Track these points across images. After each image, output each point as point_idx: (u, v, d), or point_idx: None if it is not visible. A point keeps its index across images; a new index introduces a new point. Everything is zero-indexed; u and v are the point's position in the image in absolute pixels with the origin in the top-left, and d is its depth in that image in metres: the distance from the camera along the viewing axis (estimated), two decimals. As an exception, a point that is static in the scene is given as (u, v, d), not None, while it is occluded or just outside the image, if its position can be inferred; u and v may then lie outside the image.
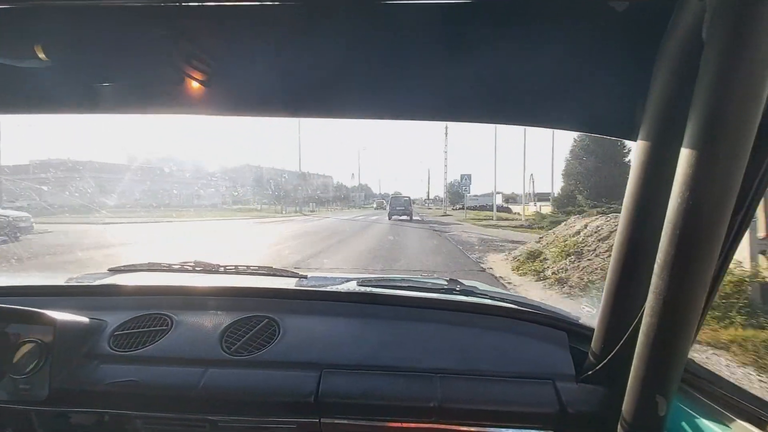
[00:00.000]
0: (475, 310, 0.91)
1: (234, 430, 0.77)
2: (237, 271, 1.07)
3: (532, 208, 22.63)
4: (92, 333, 0.87)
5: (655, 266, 0.49)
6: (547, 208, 18.95)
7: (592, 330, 0.75)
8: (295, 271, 1.10)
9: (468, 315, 0.91)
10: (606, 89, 0.68)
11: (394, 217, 18.75)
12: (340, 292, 0.98)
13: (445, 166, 29.01)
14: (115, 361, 0.83)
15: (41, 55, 0.74)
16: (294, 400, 0.76)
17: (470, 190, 17.18)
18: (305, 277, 1.08)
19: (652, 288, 0.51)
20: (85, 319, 0.87)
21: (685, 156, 0.45)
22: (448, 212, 28.78)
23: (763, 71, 0.40)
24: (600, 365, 0.72)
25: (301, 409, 0.76)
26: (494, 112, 0.83)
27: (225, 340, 0.85)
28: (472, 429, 0.75)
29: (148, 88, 0.81)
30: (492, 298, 0.98)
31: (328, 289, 0.99)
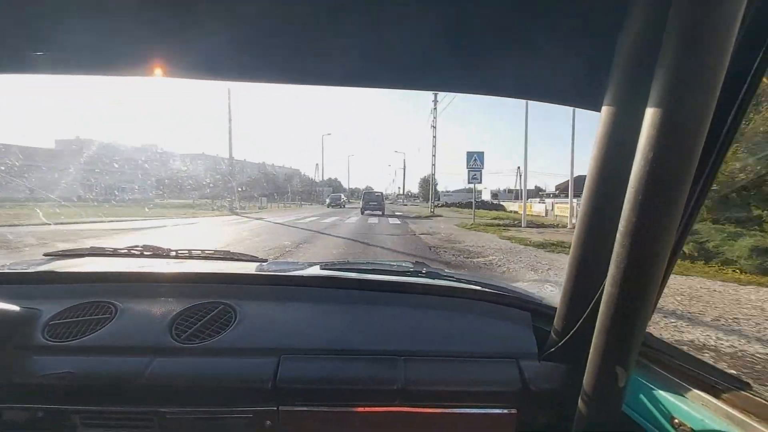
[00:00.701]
0: (441, 292, 0.89)
1: (184, 422, 0.72)
2: (190, 255, 1.00)
3: (536, 207, 20.56)
4: (24, 323, 0.79)
5: (617, 235, 0.49)
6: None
7: (554, 309, 0.75)
8: (254, 255, 1.04)
9: (434, 298, 0.89)
10: (569, 58, 0.67)
11: (366, 212, 19.22)
12: (302, 276, 0.94)
13: (434, 146, 20.93)
14: (49, 352, 0.75)
15: None
16: (250, 387, 0.72)
17: (481, 178, 12.75)
18: (265, 261, 1.02)
19: (613, 257, 0.50)
20: (16, 308, 0.78)
21: (647, 124, 0.44)
22: (435, 211, 20.74)
23: (728, 34, 0.40)
24: (561, 342, 0.72)
25: (258, 396, 0.72)
26: (461, 80, 0.82)
27: (175, 327, 0.80)
28: (436, 410, 0.74)
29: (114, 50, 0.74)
30: (458, 280, 0.96)
31: (290, 273, 0.95)
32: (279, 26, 0.66)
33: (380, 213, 18.80)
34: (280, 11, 0.63)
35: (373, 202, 19.61)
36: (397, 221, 13.59)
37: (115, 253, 0.98)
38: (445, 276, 0.99)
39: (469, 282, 0.95)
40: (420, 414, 0.73)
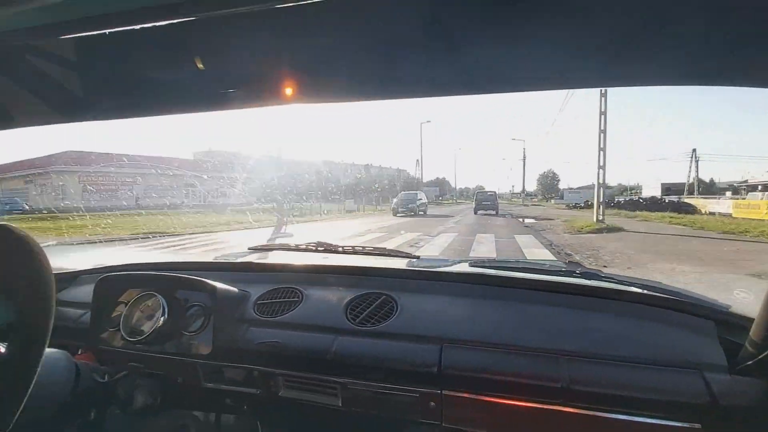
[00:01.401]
0: (603, 294, 0.86)
1: (361, 393, 0.84)
2: (354, 251, 1.17)
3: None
4: (241, 301, 1.02)
5: None
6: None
7: (746, 318, 0.66)
8: (408, 252, 1.15)
9: (593, 299, 0.86)
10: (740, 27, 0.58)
11: (480, 212, 18.81)
12: (454, 273, 1.01)
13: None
14: (260, 325, 0.96)
15: (200, 66, 0.90)
16: (416, 370, 0.80)
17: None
18: (418, 257, 1.13)
19: None
20: (235, 290, 1.03)
21: None
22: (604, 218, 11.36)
23: None
24: (761, 355, 0.63)
25: (424, 379, 0.79)
26: (602, 74, 0.77)
27: (349, 312, 0.93)
28: (602, 415, 0.71)
29: (255, 85, 0.93)
30: (621, 282, 0.91)
31: (442, 269, 1.03)
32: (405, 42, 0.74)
33: (494, 213, 18.24)
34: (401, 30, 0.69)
35: (486, 201, 19.23)
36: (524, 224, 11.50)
37: (297, 248, 1.20)
38: (606, 277, 0.94)
39: (635, 285, 0.89)
40: (585, 416, 0.72)
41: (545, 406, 0.73)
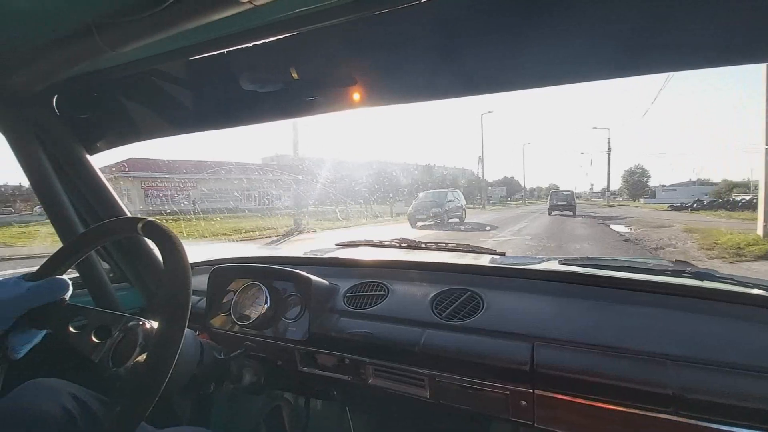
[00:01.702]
0: (723, 298, 0.77)
1: (450, 387, 0.84)
2: (437, 247, 1.18)
3: None
4: (332, 293, 1.09)
5: None
6: None
7: None
8: (492, 248, 1.14)
9: (707, 302, 0.77)
10: None
11: (555, 213, 17.50)
12: (544, 271, 0.97)
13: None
14: (350, 316, 1.01)
15: (294, 75, 0.99)
16: (508, 367, 0.79)
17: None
18: (503, 254, 1.11)
19: None
20: (326, 282, 1.10)
21: None
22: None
23: None
24: None
25: (516, 376, 0.78)
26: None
27: (435, 306, 0.95)
28: (719, 428, 0.63)
29: (328, 90, 1.01)
30: (742, 284, 0.80)
31: (530, 267, 0.99)
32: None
33: (570, 213, 16.91)
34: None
35: (561, 201, 18.10)
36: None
37: (381, 245, 1.25)
38: (723, 278, 0.84)
39: (759, 286, 0.78)
40: (698, 427, 0.65)
41: (651, 414, 0.68)
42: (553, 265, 1.00)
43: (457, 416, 0.89)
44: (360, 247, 1.31)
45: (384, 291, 1.05)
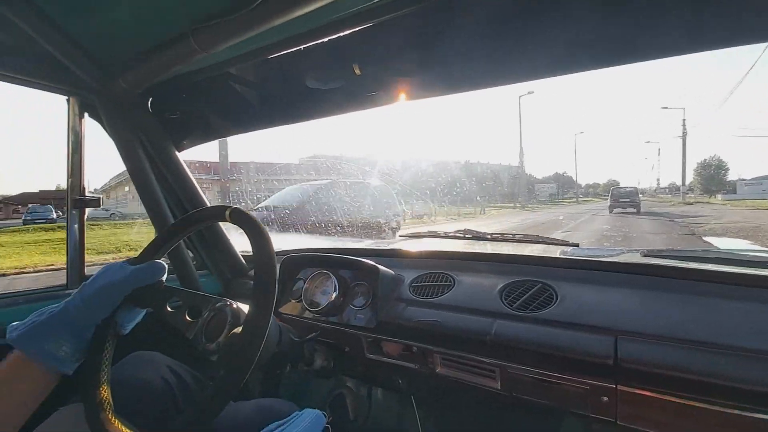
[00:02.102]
0: None
1: (522, 378, 0.82)
2: (504, 239, 1.15)
3: None
4: (398, 282, 1.10)
5: None
6: None
7: None
8: (565, 239, 1.09)
9: None
10: None
11: (616, 211, 16.36)
12: (625, 263, 0.91)
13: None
14: (417, 305, 1.01)
15: (357, 72, 1.02)
16: (588, 360, 0.75)
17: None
18: (576, 245, 1.05)
19: None
20: (392, 272, 1.12)
21: None
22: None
23: None
24: None
25: (597, 370, 0.74)
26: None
27: (504, 297, 0.93)
28: None
29: (387, 83, 1.02)
30: None
31: (609, 259, 0.94)
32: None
33: (634, 211, 15.67)
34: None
35: (624, 198, 16.85)
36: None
37: (446, 236, 1.25)
38: None
39: None
40: None
41: (752, 414, 0.62)
42: (635, 258, 0.94)
43: (529, 409, 0.87)
44: (424, 239, 1.31)
45: (450, 282, 1.04)
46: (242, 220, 0.73)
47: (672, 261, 0.87)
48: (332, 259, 1.17)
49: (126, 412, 0.68)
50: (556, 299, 0.88)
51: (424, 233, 1.31)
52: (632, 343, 0.73)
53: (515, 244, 1.12)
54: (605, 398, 0.74)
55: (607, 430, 0.78)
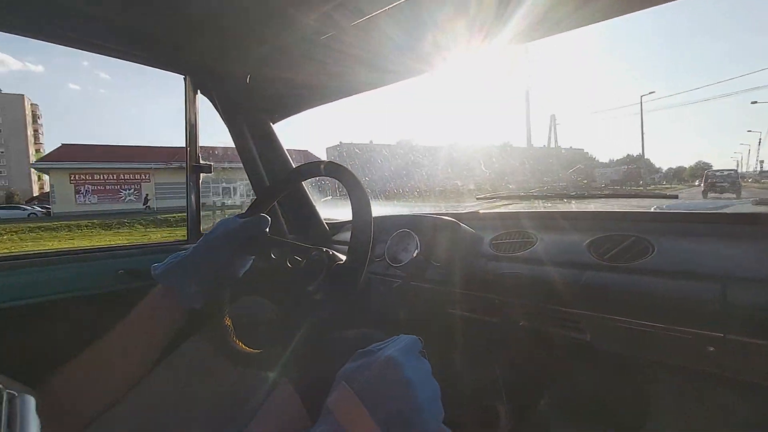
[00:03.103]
0: None
1: (613, 328, 0.80)
2: (591, 194, 1.11)
3: None
4: (477, 240, 1.13)
5: None
6: None
7: None
8: (660, 191, 1.03)
9: None
10: None
11: (711, 195, 14.56)
12: (732, 214, 0.84)
13: None
14: (498, 260, 1.02)
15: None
16: (693, 309, 0.71)
17: None
18: (675, 197, 0.99)
19: None
20: (472, 230, 1.14)
21: None
22: None
23: None
24: None
25: (702, 319, 0.70)
26: None
27: (593, 251, 0.90)
28: None
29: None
30: None
31: (712, 211, 0.87)
32: None
33: (734, 196, 13.82)
34: None
35: (722, 183, 14.87)
36: None
37: (526, 195, 1.24)
38: None
39: None
40: None
41: None
42: (747, 207, 0.86)
43: (619, 361, 0.85)
44: (502, 200, 1.31)
45: (532, 239, 1.03)
46: (337, 170, 0.81)
47: None
48: (414, 218, 1.22)
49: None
50: (653, 251, 0.84)
51: (503, 194, 1.31)
52: (743, 289, 0.69)
53: (604, 200, 1.08)
54: (711, 348, 0.70)
55: (708, 383, 0.74)
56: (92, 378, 0.70)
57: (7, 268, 0.98)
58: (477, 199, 1.37)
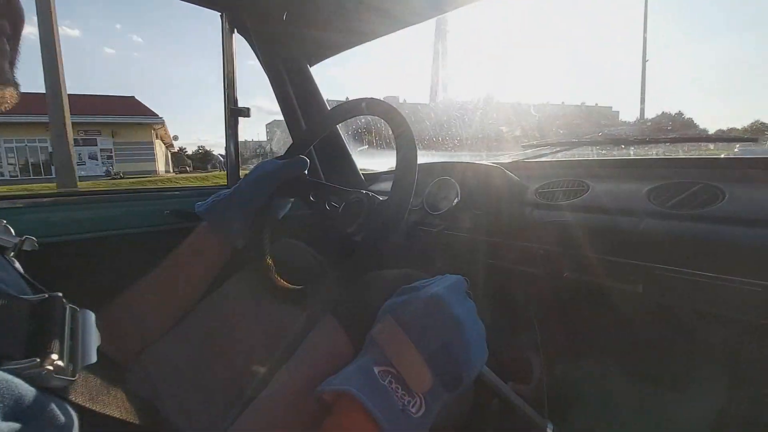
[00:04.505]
0: None
1: (672, 279, 0.75)
2: (653, 139, 1.02)
3: None
4: (522, 188, 1.07)
5: None
6: None
7: None
8: (733, 135, 0.93)
9: None
10: None
11: None
12: None
13: None
14: (544, 208, 0.97)
15: None
16: (758, 257, 0.65)
17: None
18: (755, 140, 0.89)
19: None
20: (515, 177, 1.08)
21: None
22: None
23: None
24: None
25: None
26: None
27: (654, 198, 0.84)
28: None
29: None
30: None
31: None
32: None
33: None
34: None
35: None
36: None
37: (578, 142, 1.15)
38: None
39: None
40: None
41: None
42: None
43: (675, 317, 0.80)
44: (549, 146, 1.23)
45: (584, 187, 0.97)
46: (377, 107, 0.77)
47: None
48: (455, 165, 1.17)
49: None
50: (724, 198, 0.76)
51: (551, 141, 1.22)
52: None
53: (667, 145, 0.99)
54: None
55: None
56: (143, 308, 0.74)
57: (64, 203, 1.04)
58: (522, 146, 1.29)
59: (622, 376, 1.05)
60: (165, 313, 0.78)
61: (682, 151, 0.96)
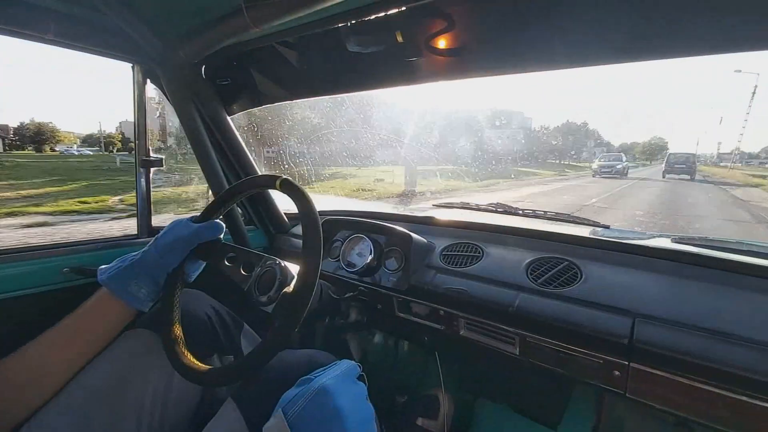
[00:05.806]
0: None
1: (540, 347, 0.89)
2: (536, 215, 1.18)
3: None
4: (428, 250, 1.17)
5: None
6: None
7: None
8: (595, 220, 1.10)
9: None
10: None
11: (669, 176, 17.79)
12: (653, 248, 0.93)
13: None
14: (446, 273, 1.08)
15: (399, 39, 1.01)
16: (605, 338, 0.80)
17: None
18: (607, 227, 1.07)
19: None
20: (425, 240, 1.18)
21: None
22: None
23: None
24: None
25: (612, 348, 0.79)
26: None
27: (530, 273, 0.98)
28: None
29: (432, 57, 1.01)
30: None
31: (637, 242, 0.96)
32: None
33: (688, 177, 17.03)
34: None
35: (679, 164, 18.46)
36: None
37: (477, 208, 1.29)
38: None
39: None
40: None
41: (758, 402, 0.65)
42: (665, 243, 0.95)
43: (543, 375, 0.94)
44: (456, 209, 1.35)
45: (479, 253, 1.09)
46: (291, 188, 0.81)
47: (702, 249, 0.88)
48: (370, 224, 1.25)
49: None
50: (581, 278, 0.92)
51: (457, 204, 1.35)
52: (649, 326, 0.77)
53: (546, 221, 1.15)
54: (617, 372, 0.80)
55: (615, 400, 0.84)
56: (31, 375, 0.70)
57: None
58: (433, 205, 1.41)
59: (512, 413, 1.21)
60: (54, 378, 0.73)
61: (558, 228, 1.12)
